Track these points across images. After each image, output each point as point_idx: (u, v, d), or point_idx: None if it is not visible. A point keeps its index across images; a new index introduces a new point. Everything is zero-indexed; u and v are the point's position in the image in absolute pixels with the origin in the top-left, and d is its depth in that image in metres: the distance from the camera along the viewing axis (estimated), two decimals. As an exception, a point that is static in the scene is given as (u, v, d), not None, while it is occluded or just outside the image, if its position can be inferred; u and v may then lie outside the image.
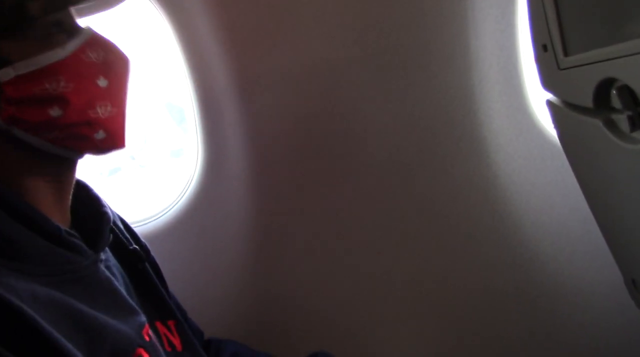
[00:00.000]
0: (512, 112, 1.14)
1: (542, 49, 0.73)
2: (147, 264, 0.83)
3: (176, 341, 0.79)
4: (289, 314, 1.31)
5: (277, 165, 1.23)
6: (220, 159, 1.26)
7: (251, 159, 1.23)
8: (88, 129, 0.65)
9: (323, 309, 1.29)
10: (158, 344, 0.70)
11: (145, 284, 0.80)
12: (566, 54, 0.68)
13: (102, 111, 0.65)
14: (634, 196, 0.66)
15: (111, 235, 0.76)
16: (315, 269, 1.28)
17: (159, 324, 0.78)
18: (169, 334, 0.78)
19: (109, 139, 0.67)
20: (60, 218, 0.68)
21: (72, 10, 0.68)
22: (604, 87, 0.61)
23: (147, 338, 0.67)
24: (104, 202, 0.78)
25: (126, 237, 0.83)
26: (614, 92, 0.60)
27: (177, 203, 1.30)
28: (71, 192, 0.72)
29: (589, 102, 0.65)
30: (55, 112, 0.62)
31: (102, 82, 0.66)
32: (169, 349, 0.75)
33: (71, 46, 0.64)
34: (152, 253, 0.90)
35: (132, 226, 0.90)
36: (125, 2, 0.84)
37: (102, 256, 0.72)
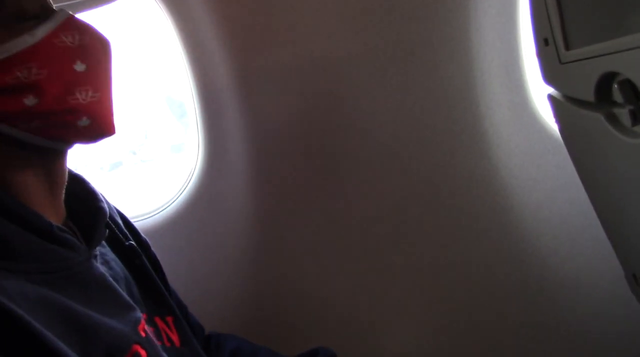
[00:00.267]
0: (513, 106, 1.14)
1: (543, 42, 0.72)
2: (145, 259, 0.82)
3: (174, 337, 0.78)
4: (289, 308, 1.31)
5: (277, 160, 1.23)
6: (221, 154, 1.26)
7: (252, 153, 1.23)
8: (70, 116, 0.63)
9: (323, 304, 1.29)
10: (155, 340, 0.69)
11: (144, 280, 0.79)
12: (567, 47, 0.67)
13: (82, 97, 0.63)
14: (635, 189, 0.66)
15: (107, 230, 0.76)
16: (316, 263, 1.28)
17: (158, 320, 0.77)
18: (167, 330, 0.78)
19: (95, 125, 0.65)
20: (53, 213, 0.67)
21: None
22: (605, 81, 0.61)
23: (143, 334, 0.66)
24: (100, 196, 0.77)
25: (123, 233, 0.82)
26: (616, 86, 0.59)
27: (177, 198, 1.30)
28: (64, 186, 0.70)
29: (590, 96, 0.64)
30: (30, 101, 0.60)
31: (79, 67, 0.63)
32: (168, 345, 0.75)
33: (41, 31, 0.61)
34: (153, 248, 0.89)
35: (133, 220, 0.90)
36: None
37: (97, 252, 0.71)
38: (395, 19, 1.09)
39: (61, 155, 0.69)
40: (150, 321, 0.74)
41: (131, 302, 0.69)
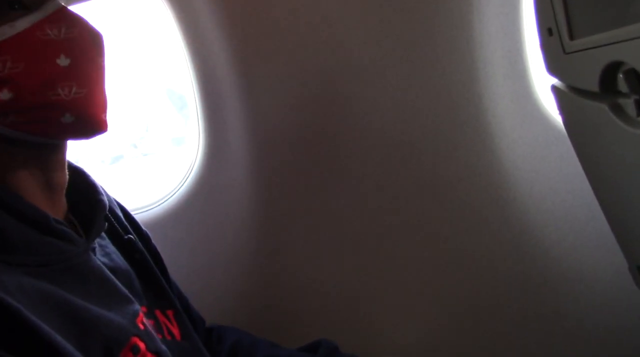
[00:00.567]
0: (516, 97, 1.13)
1: (547, 32, 0.72)
2: (146, 252, 0.82)
3: (175, 331, 0.78)
4: (290, 300, 1.31)
5: (278, 152, 1.23)
6: (222, 146, 1.26)
7: (252, 145, 1.22)
8: (50, 112, 0.61)
9: (324, 296, 1.29)
10: (153, 332, 0.69)
11: (144, 273, 0.79)
12: (572, 37, 0.66)
13: (64, 92, 0.61)
14: (639, 181, 0.66)
15: (106, 223, 0.75)
16: (317, 255, 1.28)
17: (158, 313, 0.77)
18: (168, 323, 0.78)
19: (81, 122, 0.64)
20: (51, 206, 0.67)
21: None
22: (610, 71, 0.60)
23: (141, 327, 0.66)
24: (100, 189, 0.77)
25: (123, 226, 0.81)
26: (621, 75, 0.58)
27: (178, 190, 1.30)
28: (63, 180, 0.70)
29: (594, 87, 0.64)
30: (4, 95, 0.58)
31: (62, 61, 0.61)
32: (168, 338, 0.75)
33: (23, 23, 0.59)
34: (153, 240, 0.89)
35: (133, 213, 0.89)
36: None
37: (97, 244, 0.71)
38: (396, 11, 1.08)
39: (55, 151, 0.67)
40: (150, 314, 0.74)
41: (129, 294, 0.68)
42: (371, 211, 1.24)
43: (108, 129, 0.68)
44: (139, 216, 0.91)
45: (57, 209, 0.68)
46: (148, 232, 0.89)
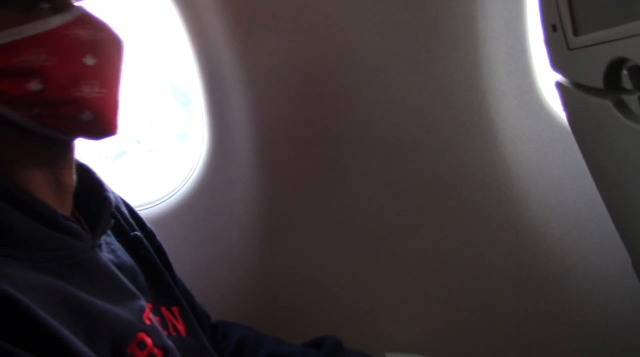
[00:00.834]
0: (520, 93, 1.13)
1: (551, 29, 0.72)
2: (151, 249, 0.83)
3: (180, 327, 0.79)
4: (296, 297, 1.31)
5: (283, 149, 1.23)
6: (226, 142, 1.26)
7: (257, 142, 1.23)
8: (72, 108, 0.63)
9: (329, 292, 1.30)
10: (160, 328, 0.70)
11: (150, 270, 0.80)
12: (576, 33, 0.66)
13: (88, 91, 0.63)
14: (643, 178, 0.66)
15: (112, 220, 0.76)
16: (322, 252, 1.28)
17: (164, 310, 0.77)
18: (173, 319, 0.78)
19: (98, 121, 0.66)
20: (59, 203, 0.67)
21: None
22: (614, 68, 0.60)
23: (147, 322, 0.67)
24: (106, 186, 0.77)
25: (129, 223, 0.82)
26: (625, 72, 0.58)
27: (183, 186, 1.30)
28: (71, 178, 0.71)
29: (599, 83, 0.64)
30: (34, 86, 0.60)
31: (89, 61, 0.64)
32: (174, 334, 0.75)
33: (56, 21, 0.62)
34: (158, 237, 0.90)
35: (139, 209, 0.90)
36: None
37: (103, 241, 0.71)
38: (400, 6, 1.08)
39: (66, 148, 0.69)
40: (156, 311, 0.74)
41: (135, 290, 0.69)
42: (375, 208, 1.24)
43: (117, 132, 0.69)
44: (144, 213, 0.92)
45: (64, 209, 0.69)
46: (153, 228, 0.90)
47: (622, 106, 0.62)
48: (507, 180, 1.17)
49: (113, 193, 0.80)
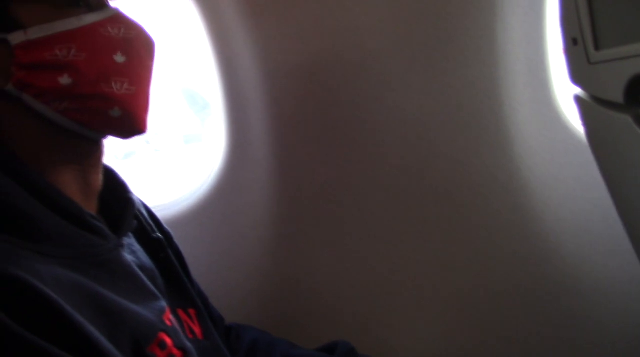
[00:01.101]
0: (537, 105, 1.13)
1: (572, 42, 0.72)
2: (170, 251, 0.84)
3: (197, 330, 0.79)
4: (309, 302, 1.31)
5: (300, 154, 1.24)
6: (244, 146, 1.27)
7: (275, 147, 1.23)
8: (101, 103, 0.65)
9: (343, 298, 1.30)
10: (179, 329, 0.71)
11: (168, 272, 0.80)
12: (597, 48, 0.67)
13: (117, 87, 0.65)
14: (662, 193, 0.66)
15: (136, 222, 0.77)
16: (337, 257, 1.29)
17: (180, 312, 0.78)
18: (190, 322, 0.79)
19: (126, 118, 0.67)
20: (85, 203, 0.68)
21: None
22: (635, 83, 0.60)
23: (168, 323, 0.68)
24: (129, 188, 0.79)
25: (150, 225, 0.83)
26: (646, 88, 0.59)
27: (200, 189, 1.31)
28: (98, 179, 0.72)
29: (619, 98, 0.64)
30: (65, 80, 0.62)
31: (119, 58, 0.65)
32: (190, 336, 0.76)
33: (88, 18, 0.64)
34: (175, 239, 0.90)
35: (155, 211, 0.91)
36: None
37: (125, 241, 0.72)
38: (421, 16, 1.09)
39: (95, 148, 0.70)
40: (173, 313, 0.75)
41: (156, 292, 0.70)
42: (390, 215, 1.25)
43: (147, 131, 0.70)
44: (160, 214, 0.93)
45: (90, 208, 0.70)
46: (170, 230, 0.90)
47: (642, 122, 0.62)
48: (522, 191, 1.17)
49: (134, 195, 0.81)
